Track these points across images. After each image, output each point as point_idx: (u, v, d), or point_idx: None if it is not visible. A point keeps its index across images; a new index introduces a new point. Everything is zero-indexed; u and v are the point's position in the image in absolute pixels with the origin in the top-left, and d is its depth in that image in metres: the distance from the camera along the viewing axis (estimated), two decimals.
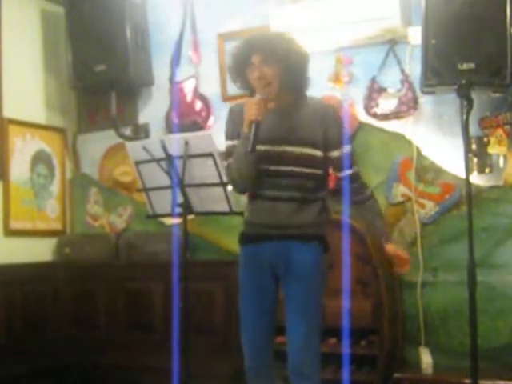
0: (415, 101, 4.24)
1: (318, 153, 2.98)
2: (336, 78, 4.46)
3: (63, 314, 5.08)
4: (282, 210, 2.95)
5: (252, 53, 2.92)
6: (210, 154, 2.79)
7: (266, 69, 2.90)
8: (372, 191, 3.19)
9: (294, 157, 2.94)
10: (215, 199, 2.88)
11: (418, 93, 4.15)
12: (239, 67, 2.99)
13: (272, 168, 2.95)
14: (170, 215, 3.09)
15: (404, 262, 3.11)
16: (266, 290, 3.05)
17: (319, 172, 3.02)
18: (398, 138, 4.32)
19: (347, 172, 3.05)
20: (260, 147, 2.89)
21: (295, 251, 2.98)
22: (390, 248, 3.09)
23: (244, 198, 3.11)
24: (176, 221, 3.98)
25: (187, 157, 2.82)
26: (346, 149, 3.02)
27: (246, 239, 3.09)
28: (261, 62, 2.90)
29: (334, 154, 3.01)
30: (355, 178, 3.08)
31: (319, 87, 4.43)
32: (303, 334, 2.96)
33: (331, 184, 4.25)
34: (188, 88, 5.00)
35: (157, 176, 2.93)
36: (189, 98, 4.99)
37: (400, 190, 4.30)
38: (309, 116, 3.00)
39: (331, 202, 4.36)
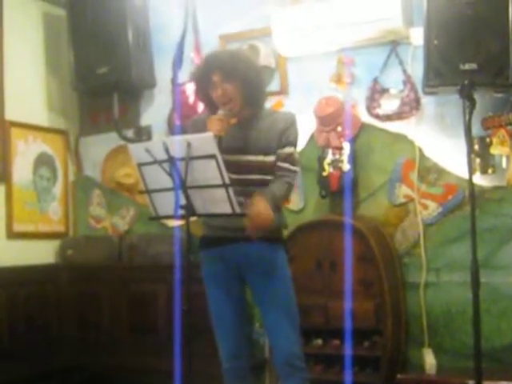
0: (417, 101, 4.23)
1: (271, 158, 3.12)
2: (338, 79, 4.46)
3: (66, 316, 5.09)
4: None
5: (212, 72, 3.10)
6: (213, 156, 2.79)
7: (227, 86, 3.08)
8: (288, 181, 3.17)
9: (256, 165, 3.10)
10: (218, 201, 2.88)
11: (421, 93, 4.14)
12: (201, 86, 3.19)
13: (238, 177, 3.07)
14: (173, 217, 3.09)
15: (255, 222, 2.96)
16: (235, 290, 3.20)
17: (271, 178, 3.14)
18: (401, 138, 4.32)
19: (280, 164, 3.14)
20: (225, 157, 2.97)
21: (261, 252, 3.11)
22: (259, 202, 2.97)
23: None
24: (178, 223, 3.99)
25: (189, 158, 2.82)
26: (288, 150, 3.15)
27: (210, 242, 3.20)
28: (221, 80, 3.08)
29: (279, 151, 3.13)
30: (282, 170, 3.14)
31: (321, 88, 4.47)
32: (289, 327, 3.10)
33: (334, 185, 4.29)
34: (190, 90, 4.99)
35: (159, 178, 2.92)
36: (191, 100, 4.98)
37: (403, 191, 4.30)
38: (270, 126, 3.16)
39: (333, 202, 4.39)
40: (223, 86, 3.08)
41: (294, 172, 3.18)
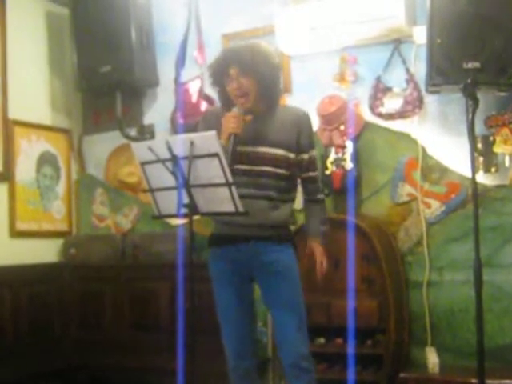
0: (420, 100, 4.23)
1: (291, 155, 3.16)
2: (341, 78, 4.46)
3: (69, 314, 5.10)
4: (257, 207, 3.05)
5: (229, 65, 3.09)
6: (216, 155, 2.79)
7: (243, 80, 3.08)
8: (324, 197, 3.41)
9: (268, 157, 3.10)
10: (220, 200, 2.88)
11: (424, 92, 4.14)
12: (217, 79, 3.18)
13: (248, 168, 3.08)
14: (176, 216, 3.10)
15: (318, 270, 3.26)
16: (243, 289, 3.19)
17: (290, 173, 3.18)
18: (404, 137, 4.31)
19: (310, 174, 3.28)
20: (240, 148, 3.03)
21: (271, 252, 3.12)
22: (318, 250, 3.26)
23: None
24: (181, 221, 3.99)
25: (192, 157, 2.82)
26: (313, 153, 3.26)
27: (220, 240, 3.20)
28: (238, 73, 3.08)
29: (303, 156, 3.21)
30: (314, 181, 3.32)
31: (324, 87, 4.47)
32: (297, 328, 3.10)
33: (336, 184, 4.29)
34: (193, 89, 5.00)
35: (162, 176, 2.92)
36: (194, 98, 4.99)
37: (406, 190, 4.30)
38: (283, 120, 3.18)
39: (336, 200, 4.38)
40: (239, 79, 3.07)
41: (319, 179, 3.34)
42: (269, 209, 3.09)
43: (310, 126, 3.25)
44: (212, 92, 4.83)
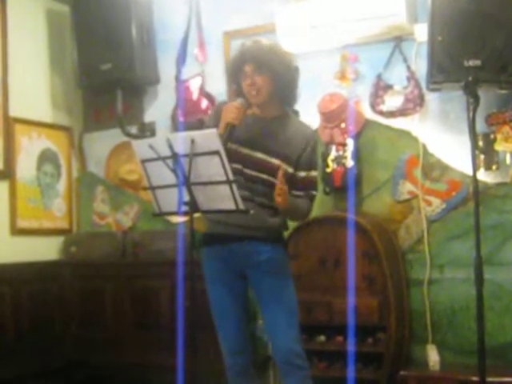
0: (421, 98, 4.22)
1: (289, 169, 3.10)
2: (342, 76, 4.45)
3: (69, 312, 5.09)
4: (253, 211, 3.00)
5: (245, 62, 3.08)
6: (216, 152, 2.79)
7: (257, 77, 3.06)
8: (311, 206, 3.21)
9: (264, 165, 3.08)
10: (221, 197, 2.87)
11: (425, 90, 4.14)
12: (233, 75, 3.16)
13: (246, 171, 3.08)
14: (176, 213, 3.10)
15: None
16: (237, 287, 3.19)
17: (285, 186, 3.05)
18: (405, 135, 4.31)
19: (306, 192, 3.15)
20: (239, 148, 3.05)
21: (264, 252, 3.10)
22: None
23: None
24: (182, 219, 3.99)
25: (193, 155, 2.82)
26: (312, 173, 3.18)
27: (213, 239, 3.19)
28: (253, 70, 3.06)
29: (300, 174, 3.14)
30: (311, 198, 3.17)
31: (325, 85, 4.47)
32: (289, 325, 3.10)
33: (337, 182, 4.29)
34: (194, 86, 5.00)
35: (163, 174, 2.92)
36: (195, 96, 4.99)
37: (406, 188, 4.30)
38: (291, 134, 3.14)
39: (337, 198, 4.38)
40: (254, 77, 3.05)
41: (315, 197, 3.21)
42: (262, 215, 3.09)
43: (315, 147, 3.19)
44: (212, 90, 4.92)
